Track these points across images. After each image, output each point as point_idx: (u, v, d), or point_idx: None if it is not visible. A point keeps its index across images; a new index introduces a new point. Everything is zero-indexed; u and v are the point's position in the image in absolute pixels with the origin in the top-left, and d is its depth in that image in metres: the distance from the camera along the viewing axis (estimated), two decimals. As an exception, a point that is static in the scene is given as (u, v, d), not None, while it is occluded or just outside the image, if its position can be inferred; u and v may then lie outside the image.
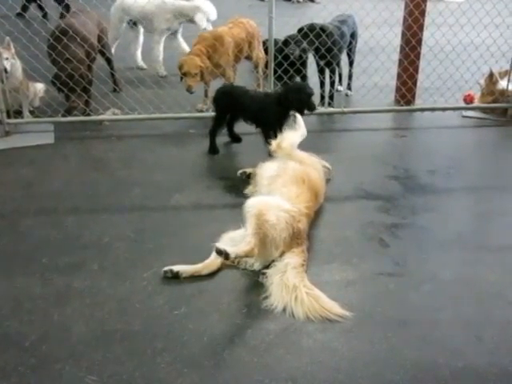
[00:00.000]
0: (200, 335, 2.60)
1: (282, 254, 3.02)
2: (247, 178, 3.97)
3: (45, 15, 9.45)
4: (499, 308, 2.78)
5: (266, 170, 3.64)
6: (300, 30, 5.06)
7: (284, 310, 2.75)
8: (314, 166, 3.71)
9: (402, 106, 5.43)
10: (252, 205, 3.01)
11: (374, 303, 2.82)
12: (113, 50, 6.35)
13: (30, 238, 3.39)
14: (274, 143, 3.80)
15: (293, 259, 2.97)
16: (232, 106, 4.45)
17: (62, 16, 7.60)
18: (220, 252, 2.76)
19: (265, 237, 2.92)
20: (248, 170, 4.00)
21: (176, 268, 2.98)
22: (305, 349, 2.53)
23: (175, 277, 2.96)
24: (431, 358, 2.47)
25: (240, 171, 4.06)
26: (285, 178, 3.43)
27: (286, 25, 5.63)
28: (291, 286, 2.81)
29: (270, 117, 4.28)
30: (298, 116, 4.09)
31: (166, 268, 2.98)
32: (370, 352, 2.51)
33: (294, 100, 4.18)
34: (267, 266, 3.02)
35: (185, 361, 2.46)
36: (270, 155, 3.89)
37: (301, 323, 2.68)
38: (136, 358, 2.48)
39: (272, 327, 2.66)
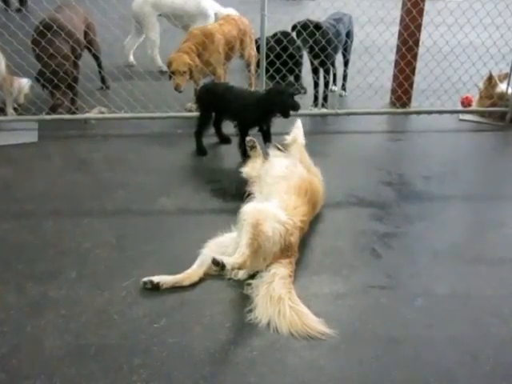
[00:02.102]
0: (180, 351, 2.47)
1: (268, 265, 2.88)
2: (250, 149, 3.79)
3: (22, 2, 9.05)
4: (496, 326, 2.65)
5: (274, 168, 3.48)
6: (294, 28, 4.91)
7: (268, 324, 2.62)
8: (317, 175, 3.59)
9: (397, 108, 5.29)
10: (249, 212, 2.86)
11: (364, 318, 2.69)
12: (158, 55, 6.18)
13: (6, 242, 3.24)
14: (290, 137, 3.72)
15: (280, 269, 2.84)
16: (216, 103, 4.31)
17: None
18: (217, 263, 2.62)
19: (258, 248, 2.79)
20: (258, 148, 3.80)
21: (156, 279, 2.83)
22: (290, 367, 2.40)
23: (155, 288, 2.82)
24: (423, 380, 2.35)
25: (251, 140, 3.81)
26: (290, 183, 3.29)
27: (279, 22, 5.47)
28: (276, 297, 2.68)
29: (249, 115, 4.15)
30: (299, 123, 3.93)
31: (145, 279, 2.84)
32: (358, 372, 2.38)
33: (277, 103, 4.05)
34: (252, 276, 2.89)
35: (163, 378, 2.33)
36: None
37: (286, 339, 2.55)
38: (111, 374, 2.35)
39: (256, 343, 2.53)
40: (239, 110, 4.20)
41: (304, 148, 3.75)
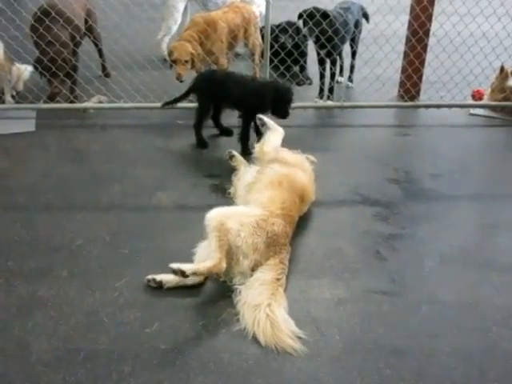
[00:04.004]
0: (172, 359, 2.36)
1: (258, 265, 2.74)
2: (230, 159, 3.78)
3: None
4: (506, 338, 2.51)
5: (244, 178, 3.42)
6: (300, 16, 4.73)
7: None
8: (300, 165, 3.42)
9: (405, 101, 5.11)
10: (211, 218, 2.74)
11: (366, 326, 2.56)
12: (166, 43, 5.93)
13: (-5, 237, 3.13)
14: (256, 149, 3.57)
15: (263, 274, 2.71)
16: (215, 91, 4.16)
17: None
18: (175, 272, 2.57)
19: (229, 248, 2.68)
20: (237, 157, 3.77)
21: (159, 277, 2.73)
22: (287, 379, 2.28)
23: (159, 287, 2.71)
24: (427, 395, 2.23)
25: (228, 152, 3.82)
26: (259, 184, 3.18)
27: (285, 10, 5.28)
28: (253, 304, 2.57)
29: (256, 102, 4.01)
30: (265, 118, 3.77)
31: (149, 277, 2.74)
32: (359, 386, 2.26)
33: (273, 100, 3.95)
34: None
35: (153, 388, 2.21)
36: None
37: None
38: (99, 382, 2.23)
39: (252, 351, 2.41)
40: (246, 97, 4.05)
41: (276, 149, 3.54)
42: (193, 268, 2.60)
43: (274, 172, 3.24)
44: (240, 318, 2.55)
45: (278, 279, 2.70)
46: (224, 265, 2.63)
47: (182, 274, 2.57)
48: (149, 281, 2.74)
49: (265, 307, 2.53)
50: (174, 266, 2.58)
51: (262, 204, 2.95)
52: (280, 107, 3.98)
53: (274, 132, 3.64)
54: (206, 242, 2.85)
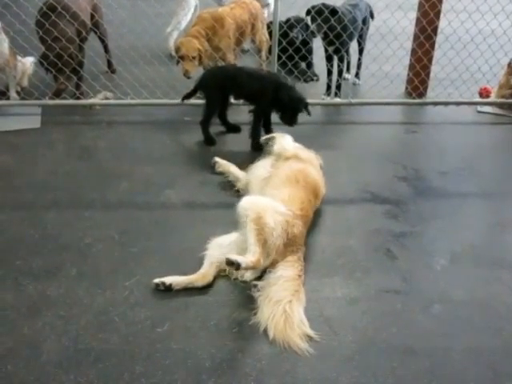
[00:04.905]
0: (184, 358, 2.34)
1: (275, 264, 2.72)
2: (218, 169, 3.74)
3: None
4: (518, 337, 2.50)
5: (258, 172, 3.38)
6: (308, 12, 4.69)
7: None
8: (311, 162, 3.40)
9: (413, 98, 5.08)
10: (247, 207, 2.70)
11: (379, 326, 2.55)
12: (174, 38, 5.88)
13: (3, 235, 3.11)
14: (277, 145, 3.50)
15: (287, 271, 2.69)
16: (228, 86, 4.13)
17: None
18: (231, 263, 2.47)
19: (265, 243, 2.64)
20: (220, 162, 3.74)
21: (168, 280, 2.69)
22: (300, 380, 2.26)
23: (168, 289, 2.68)
24: (442, 395, 2.21)
25: (214, 160, 3.78)
26: (275, 179, 3.15)
27: (293, 7, 5.24)
28: (275, 300, 2.55)
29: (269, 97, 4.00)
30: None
31: (157, 280, 2.69)
32: (373, 386, 2.24)
33: (285, 104, 3.94)
34: (260, 277, 2.73)
35: (166, 388, 2.20)
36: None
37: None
38: (111, 383, 2.22)
39: (265, 351, 2.39)
40: (258, 91, 4.03)
41: (296, 147, 3.53)
42: (245, 262, 2.50)
43: (290, 168, 3.22)
44: (258, 313, 2.53)
45: (300, 276, 2.69)
46: (262, 261, 2.59)
47: (238, 266, 2.48)
48: (157, 285, 2.69)
49: (285, 303, 2.51)
50: (232, 257, 2.49)
51: (283, 201, 2.90)
52: (290, 113, 3.96)
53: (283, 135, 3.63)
54: (218, 239, 2.85)
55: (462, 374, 2.31)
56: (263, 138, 3.76)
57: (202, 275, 2.74)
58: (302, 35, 5.42)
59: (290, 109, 3.94)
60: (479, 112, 5.09)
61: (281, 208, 2.82)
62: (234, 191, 3.56)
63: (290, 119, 3.98)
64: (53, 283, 2.74)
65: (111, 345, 2.39)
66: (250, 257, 2.55)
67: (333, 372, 2.29)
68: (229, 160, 3.82)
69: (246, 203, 2.75)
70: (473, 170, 4.03)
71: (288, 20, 5.39)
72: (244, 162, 3.70)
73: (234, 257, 2.50)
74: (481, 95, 5.30)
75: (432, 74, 5.18)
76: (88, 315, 2.55)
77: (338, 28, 4.63)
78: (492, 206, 3.63)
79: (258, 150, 3.94)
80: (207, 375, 2.26)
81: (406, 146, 4.46)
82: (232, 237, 2.87)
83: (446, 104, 4.98)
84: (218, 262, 2.76)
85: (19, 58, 4.88)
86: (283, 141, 3.51)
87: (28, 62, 4.96)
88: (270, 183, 3.15)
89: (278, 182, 3.11)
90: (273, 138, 3.60)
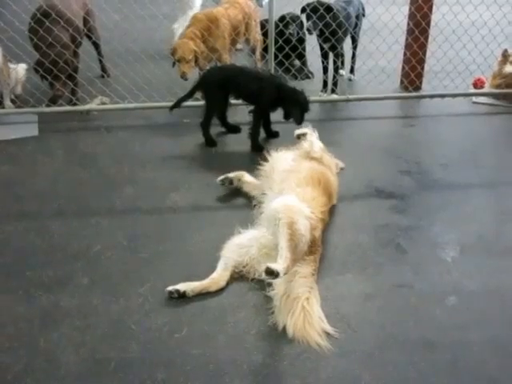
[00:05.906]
0: (205, 363, 2.32)
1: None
2: (230, 185, 3.54)
3: None
4: (535, 326, 2.52)
5: (280, 162, 3.32)
6: (303, 10, 4.68)
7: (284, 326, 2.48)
8: (330, 168, 3.42)
9: (410, 92, 5.10)
10: (281, 211, 2.65)
11: (396, 321, 2.55)
12: (179, 33, 5.79)
13: (11, 246, 3.07)
14: (306, 144, 3.45)
15: (302, 268, 2.68)
16: (228, 86, 4.11)
17: None
18: (271, 272, 2.41)
19: (295, 248, 2.61)
20: (231, 176, 3.53)
21: (182, 287, 2.66)
22: (324, 379, 2.26)
23: (181, 297, 2.65)
24: (465, 388, 2.22)
25: (221, 178, 3.53)
26: (299, 175, 3.11)
27: (288, 4, 5.23)
28: (293, 296, 2.54)
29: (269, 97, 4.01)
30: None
31: (170, 288, 2.66)
32: (397, 380, 2.25)
33: (292, 105, 3.96)
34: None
35: (189, 395, 2.19)
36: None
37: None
38: (134, 391, 2.20)
39: (285, 351, 2.39)
40: (258, 92, 4.02)
41: (323, 150, 3.53)
42: (281, 270, 2.44)
43: (313, 168, 3.21)
44: (275, 310, 2.53)
45: (313, 274, 2.69)
46: (291, 266, 2.55)
47: (277, 275, 2.42)
48: (171, 292, 2.65)
49: (303, 300, 2.51)
50: (273, 266, 2.41)
51: (305, 201, 2.88)
52: (297, 112, 3.96)
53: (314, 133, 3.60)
54: (234, 239, 2.85)
55: (483, 365, 2.32)
56: (296, 132, 3.63)
57: (216, 280, 2.72)
58: (298, 33, 5.42)
59: (297, 109, 3.93)
60: (474, 103, 5.12)
61: (307, 211, 2.80)
62: (240, 192, 3.54)
63: (298, 118, 3.97)
64: (65, 293, 2.71)
65: (130, 353, 2.37)
66: (283, 263, 2.49)
67: (355, 369, 2.29)
68: (229, 160, 3.82)
69: (279, 206, 2.71)
70: (473, 161, 4.06)
71: (283, 18, 5.39)
72: (244, 163, 3.71)
73: (274, 266, 2.44)
74: (475, 86, 5.33)
75: (427, 67, 5.21)
76: (104, 324, 2.52)
77: (334, 25, 4.63)
78: (495, 195, 3.65)
79: (258, 150, 3.94)
80: (230, 379, 2.25)
81: (406, 139, 4.47)
82: (249, 235, 2.85)
83: (442, 96, 5.00)
84: (236, 263, 2.76)
85: (12, 65, 4.82)
86: (314, 140, 3.48)
87: (21, 69, 4.90)
88: (291, 177, 3.11)
89: (301, 178, 3.08)
90: (305, 134, 3.55)
